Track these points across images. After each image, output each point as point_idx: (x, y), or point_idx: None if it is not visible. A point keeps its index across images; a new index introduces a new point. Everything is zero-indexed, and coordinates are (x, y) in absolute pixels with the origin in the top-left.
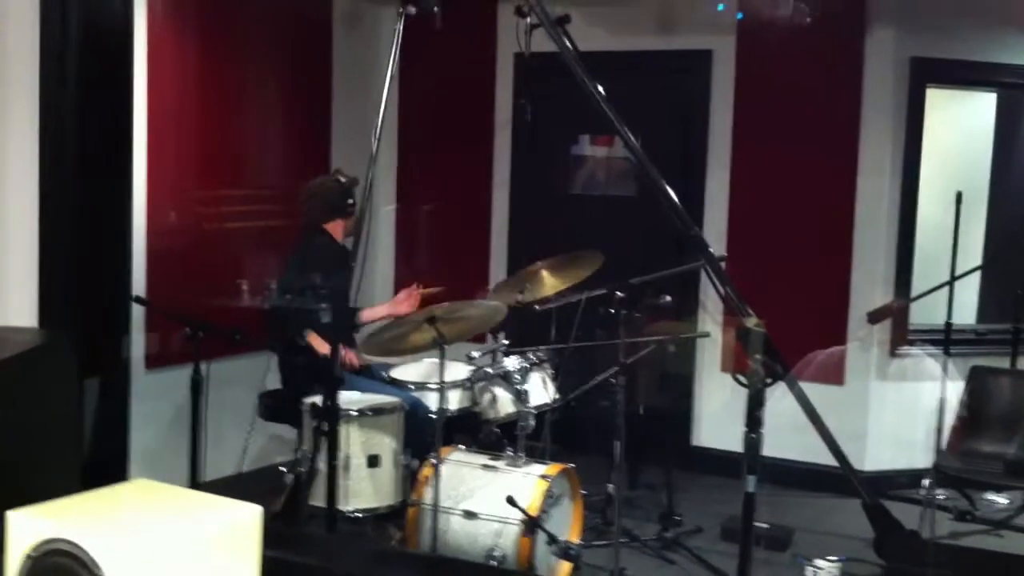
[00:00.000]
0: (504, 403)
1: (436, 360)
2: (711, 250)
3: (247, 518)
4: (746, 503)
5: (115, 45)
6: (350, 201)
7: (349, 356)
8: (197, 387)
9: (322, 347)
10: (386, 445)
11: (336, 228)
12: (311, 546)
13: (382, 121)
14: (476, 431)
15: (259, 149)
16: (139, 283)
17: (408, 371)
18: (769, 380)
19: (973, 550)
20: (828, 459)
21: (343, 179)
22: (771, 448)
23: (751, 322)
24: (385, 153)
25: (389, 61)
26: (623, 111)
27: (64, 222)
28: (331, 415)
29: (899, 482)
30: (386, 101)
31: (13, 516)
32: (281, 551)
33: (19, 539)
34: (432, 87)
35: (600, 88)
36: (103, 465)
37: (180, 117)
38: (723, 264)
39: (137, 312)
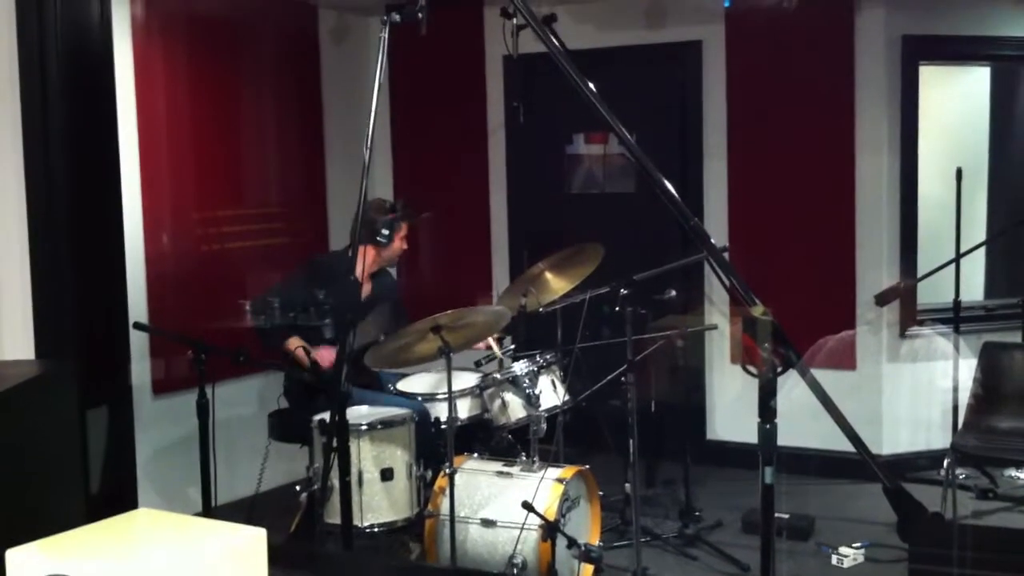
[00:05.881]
0: (514, 408)
1: (443, 370)
2: (712, 241)
3: (252, 541)
4: (764, 494)
5: (97, 69)
6: (384, 231)
7: (325, 354)
8: (204, 410)
9: (298, 349)
10: (398, 458)
11: (363, 253)
12: (330, 565)
13: (373, 130)
14: (488, 438)
15: (253, 167)
16: (141, 309)
17: (415, 382)
18: (780, 369)
19: (998, 529)
20: (845, 445)
21: (387, 203)
22: (787, 437)
23: (757, 311)
24: (380, 164)
25: (377, 69)
26: (616, 107)
27: (56, 252)
28: (340, 430)
29: (918, 464)
30: (376, 110)
31: (12, 554)
32: (300, 571)
33: None
34: (422, 94)
35: (591, 85)
36: (113, 496)
37: (172, 138)
38: (726, 255)
39: (142, 339)
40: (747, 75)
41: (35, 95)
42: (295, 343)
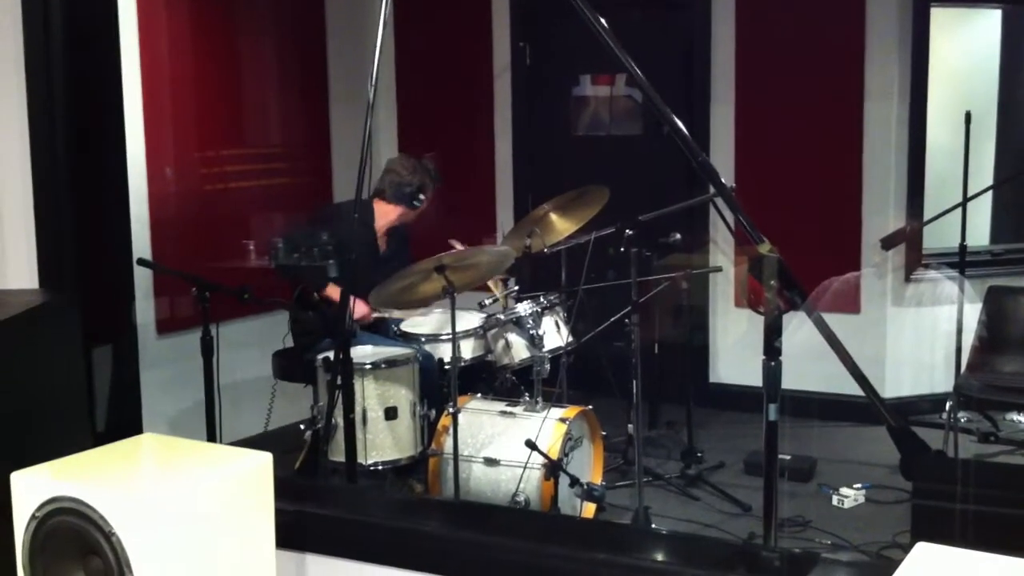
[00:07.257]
0: (518, 349)
1: (447, 311)
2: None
3: (258, 465)
4: (768, 432)
5: (100, 5)
6: (421, 196)
7: (360, 306)
8: (208, 348)
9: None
10: (402, 397)
11: (384, 210)
12: (334, 498)
13: (377, 68)
14: (491, 379)
15: (256, 107)
16: (145, 248)
17: (419, 323)
18: (786, 308)
19: (1000, 465)
20: (848, 388)
21: (416, 162)
22: (790, 379)
23: (764, 248)
24: (384, 105)
25: (381, 8)
26: (625, 48)
27: (58, 188)
28: (345, 368)
29: (920, 407)
30: (381, 49)
31: (16, 477)
32: (303, 504)
33: (24, 500)
34: (427, 34)
35: (603, 21)
36: (118, 435)
37: (174, 76)
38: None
39: (146, 278)
40: (756, 16)
41: (37, 31)
42: (335, 292)
